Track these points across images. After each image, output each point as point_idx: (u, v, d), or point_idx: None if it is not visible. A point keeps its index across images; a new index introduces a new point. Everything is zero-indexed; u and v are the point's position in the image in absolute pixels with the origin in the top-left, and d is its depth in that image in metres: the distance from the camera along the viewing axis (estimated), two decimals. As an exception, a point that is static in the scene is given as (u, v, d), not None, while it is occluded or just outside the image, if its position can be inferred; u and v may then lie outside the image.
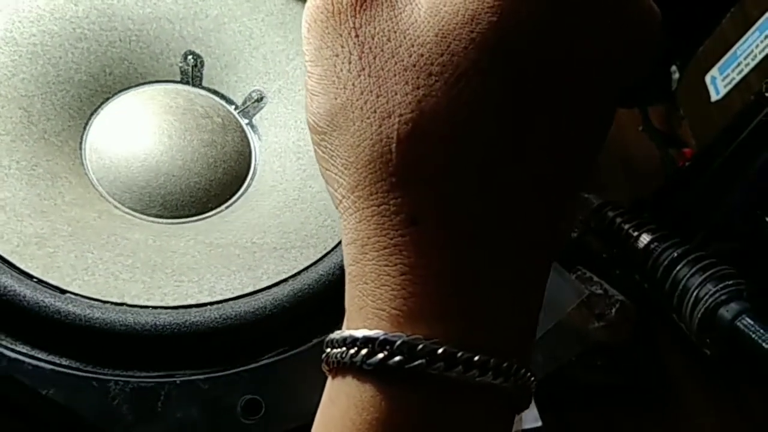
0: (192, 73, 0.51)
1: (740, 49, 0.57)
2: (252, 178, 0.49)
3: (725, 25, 0.59)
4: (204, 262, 0.44)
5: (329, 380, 0.29)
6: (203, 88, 0.51)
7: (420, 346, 0.26)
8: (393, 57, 0.27)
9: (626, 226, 0.60)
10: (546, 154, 0.28)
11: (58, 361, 0.40)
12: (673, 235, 0.58)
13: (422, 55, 0.27)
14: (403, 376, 0.26)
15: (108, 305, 0.41)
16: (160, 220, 0.46)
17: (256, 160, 0.50)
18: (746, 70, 0.56)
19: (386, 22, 0.28)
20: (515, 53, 0.27)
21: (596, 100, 0.28)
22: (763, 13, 0.56)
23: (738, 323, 0.53)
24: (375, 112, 0.27)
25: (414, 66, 0.27)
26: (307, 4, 0.29)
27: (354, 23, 0.28)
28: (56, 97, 0.47)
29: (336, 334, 0.28)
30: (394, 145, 0.27)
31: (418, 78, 0.27)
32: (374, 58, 0.28)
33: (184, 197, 0.47)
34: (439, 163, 0.27)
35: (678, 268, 0.56)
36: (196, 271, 0.44)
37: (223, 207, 0.48)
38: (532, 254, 0.28)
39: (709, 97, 0.59)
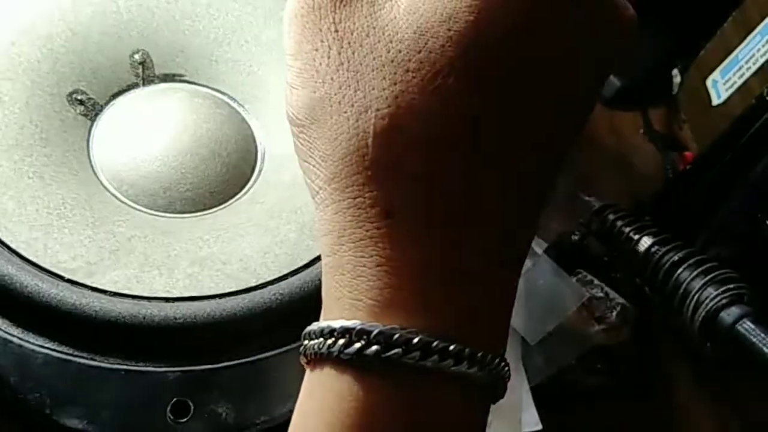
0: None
1: (741, 53, 0.57)
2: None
3: (726, 28, 0.59)
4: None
5: (307, 372, 0.29)
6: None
7: (396, 336, 0.27)
8: (371, 52, 0.28)
9: (627, 230, 0.60)
10: (517, 151, 0.28)
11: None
12: (674, 239, 0.58)
13: (400, 51, 0.27)
14: (380, 365, 0.27)
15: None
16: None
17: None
18: (747, 74, 0.56)
19: (366, 18, 0.28)
20: (491, 52, 0.27)
21: (571, 99, 0.29)
22: (764, 17, 0.56)
23: (739, 327, 0.53)
24: (353, 106, 0.28)
25: (392, 62, 0.27)
26: None
27: (334, 18, 0.29)
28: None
29: (314, 326, 0.29)
30: (370, 139, 0.27)
31: (395, 73, 0.27)
32: (353, 53, 0.28)
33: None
34: (414, 158, 0.27)
35: (679, 271, 0.56)
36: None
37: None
38: (505, 248, 0.29)
39: (710, 100, 0.60)
